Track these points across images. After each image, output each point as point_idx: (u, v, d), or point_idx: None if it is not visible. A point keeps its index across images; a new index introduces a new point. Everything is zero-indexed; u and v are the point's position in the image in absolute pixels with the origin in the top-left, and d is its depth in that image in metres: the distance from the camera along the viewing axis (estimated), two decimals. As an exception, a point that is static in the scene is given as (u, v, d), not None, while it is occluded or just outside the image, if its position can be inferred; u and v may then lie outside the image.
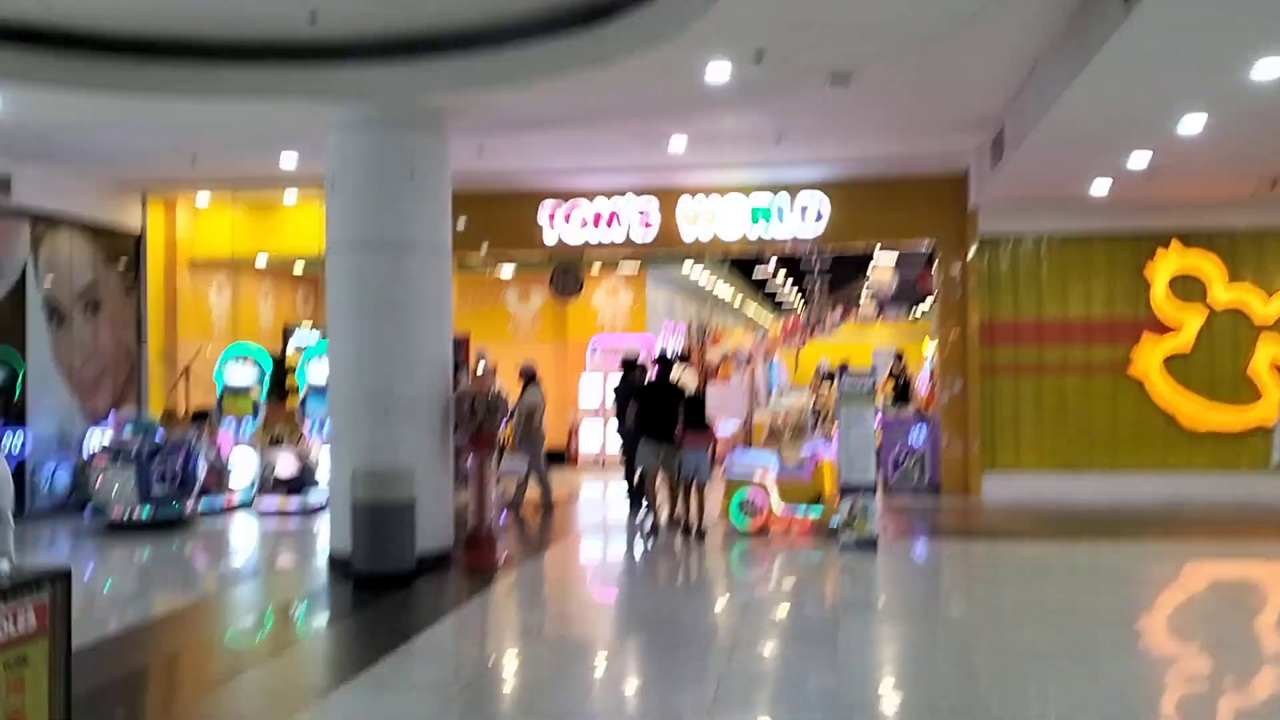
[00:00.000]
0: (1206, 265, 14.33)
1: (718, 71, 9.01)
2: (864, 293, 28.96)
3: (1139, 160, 11.14)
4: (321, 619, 8.78)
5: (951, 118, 11.90)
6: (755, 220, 15.20)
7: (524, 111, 10.42)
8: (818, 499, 11.75)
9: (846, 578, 9.96)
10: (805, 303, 33.24)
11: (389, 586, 9.22)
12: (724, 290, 25.63)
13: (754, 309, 32.67)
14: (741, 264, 24.76)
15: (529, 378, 13.54)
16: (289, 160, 13.40)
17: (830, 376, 31.18)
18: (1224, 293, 14.28)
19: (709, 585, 9.97)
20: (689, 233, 15.32)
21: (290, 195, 16.12)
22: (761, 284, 29.36)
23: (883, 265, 20.80)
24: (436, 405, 10.16)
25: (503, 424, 10.44)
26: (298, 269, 19.29)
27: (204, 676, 7.15)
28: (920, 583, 9.76)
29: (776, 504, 11.72)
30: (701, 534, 11.51)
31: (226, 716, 6.07)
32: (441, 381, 10.28)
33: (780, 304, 37.32)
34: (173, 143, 12.34)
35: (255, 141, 12.24)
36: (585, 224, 15.48)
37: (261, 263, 17.65)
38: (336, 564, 9.95)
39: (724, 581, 10.16)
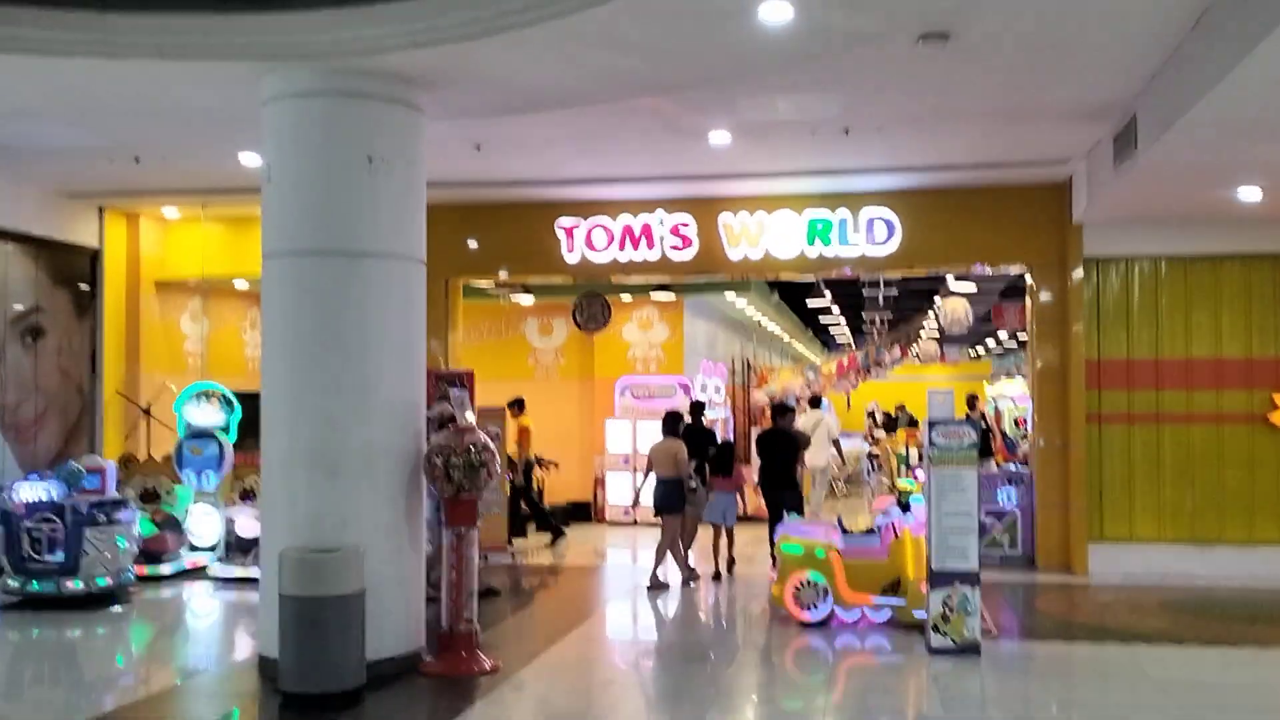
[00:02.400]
0: (1366, 293, 11.73)
1: (775, 10, 6.57)
2: (925, 328, 26.38)
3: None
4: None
5: (1064, 103, 9.40)
6: (813, 238, 12.74)
7: (518, 81, 8.05)
8: (896, 584, 9.20)
9: (940, 698, 7.44)
10: (862, 339, 30.60)
11: (331, 708, 6.81)
12: (771, 325, 23.15)
13: (802, 346, 30.12)
14: (791, 295, 22.31)
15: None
16: (250, 160, 11.16)
17: (889, 424, 28.60)
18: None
19: (761, 704, 7.43)
20: (735, 252, 12.88)
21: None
22: (812, 318, 26.83)
23: (957, 294, 18.29)
24: (402, 463, 7.77)
25: (489, 487, 7.99)
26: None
27: None
28: (1043, 710, 7.15)
29: (844, 589, 9.18)
30: (720, 575, 11.50)
31: None
32: (409, 431, 7.89)
33: (830, 341, 34.70)
34: (97, 134, 10.09)
35: (195, 132, 9.96)
36: (612, 242, 13.11)
37: (241, 286, 15.45)
38: (267, 669, 7.55)
39: (780, 698, 7.65)
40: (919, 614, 8.88)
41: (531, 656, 8.30)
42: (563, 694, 7.58)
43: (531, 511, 14.80)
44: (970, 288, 18.32)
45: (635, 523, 16.61)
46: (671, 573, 11.51)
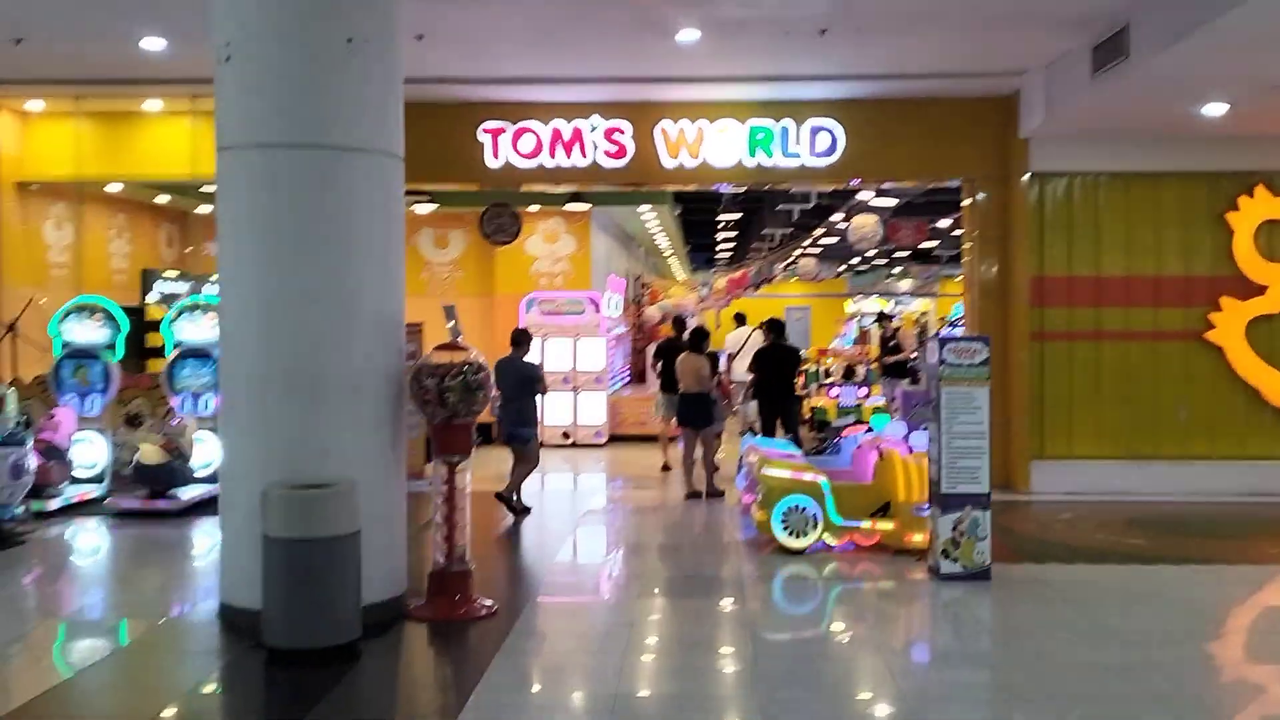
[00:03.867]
0: (1298, 213, 11.92)
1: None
2: (806, 245, 26.20)
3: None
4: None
5: (1055, 6, 9.00)
6: (754, 148, 12.15)
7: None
8: (885, 508, 8.87)
9: (955, 627, 7.15)
10: (753, 256, 30.17)
11: (324, 664, 6.01)
12: (662, 240, 22.53)
13: (677, 264, 29.53)
14: (687, 210, 21.70)
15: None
16: (153, 45, 9.83)
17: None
18: (1318, 246, 11.90)
19: (786, 640, 6.97)
20: (672, 161, 12.19)
21: (153, 103, 12.45)
22: (701, 233, 26.26)
23: (869, 210, 18.01)
24: (387, 384, 6.92)
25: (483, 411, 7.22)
26: (161, 200, 15.51)
27: None
28: (1091, 637, 6.86)
29: (833, 514, 8.78)
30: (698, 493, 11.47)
31: None
32: (393, 350, 7.03)
33: (701, 257, 34.06)
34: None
35: (97, 9, 8.64)
36: (540, 148, 12.21)
37: (114, 189, 13.91)
38: (235, 620, 6.67)
39: (800, 631, 7.23)
40: (914, 538, 8.61)
41: (525, 596, 7.64)
42: (579, 640, 6.85)
43: None
44: (891, 203, 18.11)
45: (541, 445, 15.97)
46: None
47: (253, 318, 6.70)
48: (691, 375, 11.70)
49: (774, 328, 12.47)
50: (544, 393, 10.80)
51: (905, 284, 37.00)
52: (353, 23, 6.67)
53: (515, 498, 10.67)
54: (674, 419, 12.31)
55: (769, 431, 11.66)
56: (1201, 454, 11.92)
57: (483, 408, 7.10)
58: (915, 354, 18.78)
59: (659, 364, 14.40)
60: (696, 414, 11.70)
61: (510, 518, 10.48)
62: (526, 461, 10.70)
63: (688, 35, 9.67)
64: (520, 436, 10.63)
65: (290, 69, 6.58)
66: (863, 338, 28.35)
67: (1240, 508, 11.06)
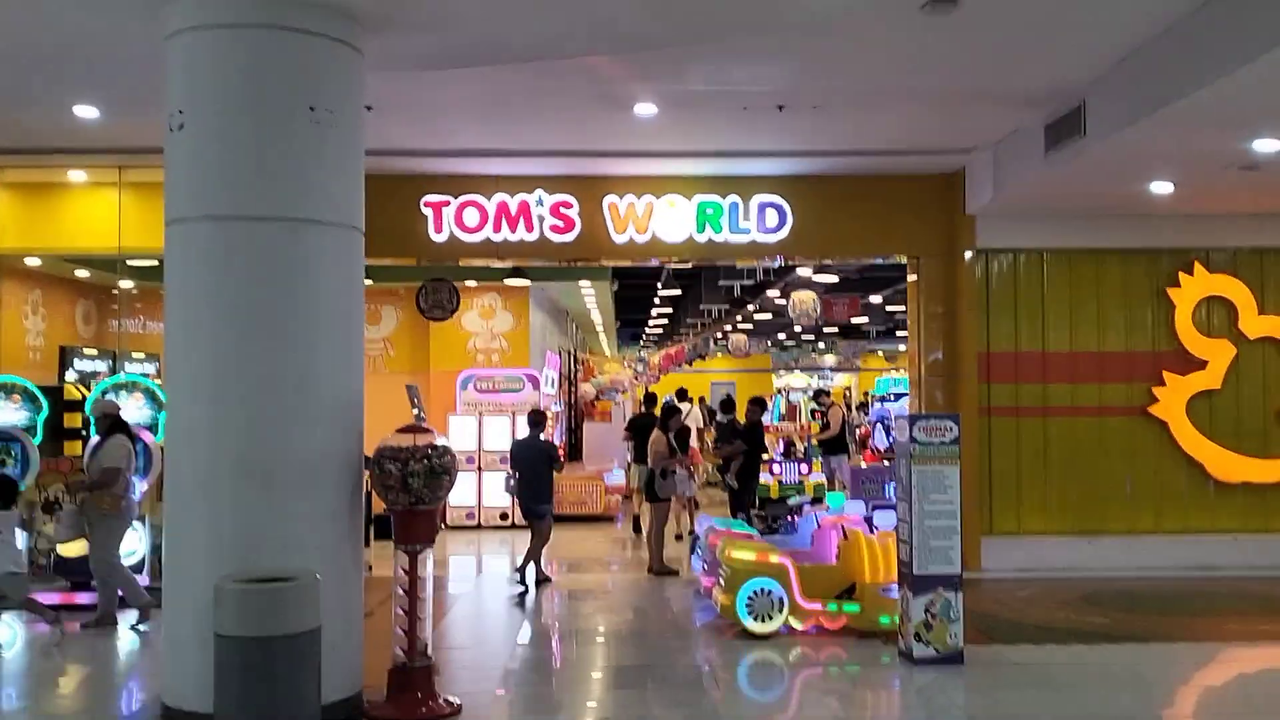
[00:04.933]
0: (1235, 290, 12.12)
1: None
2: (737, 321, 26.27)
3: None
4: None
5: (1014, 87, 9.01)
6: (702, 224, 12.04)
7: (478, 25, 6.99)
8: (851, 590, 8.65)
9: (939, 715, 6.90)
10: (686, 331, 30.07)
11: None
12: (596, 315, 22.35)
13: (604, 340, 29.36)
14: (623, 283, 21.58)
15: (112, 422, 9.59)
16: (86, 113, 9.43)
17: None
18: (1256, 322, 12.09)
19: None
20: (621, 236, 12.02)
21: (78, 173, 11.97)
22: (635, 308, 26.12)
23: (808, 286, 18.03)
24: (345, 470, 6.54)
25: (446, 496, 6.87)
26: (81, 274, 14.91)
27: None
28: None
29: (799, 597, 8.53)
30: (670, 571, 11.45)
31: None
32: (352, 433, 6.67)
33: (628, 333, 33.98)
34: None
35: (37, 75, 8.26)
36: (485, 221, 11.97)
37: (32, 263, 13.31)
38: (178, 723, 6.19)
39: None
40: (882, 620, 8.41)
41: (487, 691, 7.22)
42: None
43: None
44: (832, 278, 18.15)
45: (479, 526, 15.57)
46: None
47: (204, 399, 6.30)
48: (651, 451, 12.02)
49: (761, 405, 12.70)
50: (559, 469, 11.57)
51: (829, 359, 37.31)
52: (315, 91, 6.41)
53: (526, 570, 11.07)
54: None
55: (736, 512, 11.55)
56: (1148, 528, 11.94)
57: (447, 493, 6.76)
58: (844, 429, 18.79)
59: (632, 437, 14.84)
60: (650, 490, 11.94)
61: (460, 600, 10.16)
62: (541, 536, 11.15)
63: (644, 110, 9.56)
64: (537, 513, 11.15)
65: (248, 138, 6.28)
66: (790, 413, 28.39)
67: (1188, 582, 11.05)
